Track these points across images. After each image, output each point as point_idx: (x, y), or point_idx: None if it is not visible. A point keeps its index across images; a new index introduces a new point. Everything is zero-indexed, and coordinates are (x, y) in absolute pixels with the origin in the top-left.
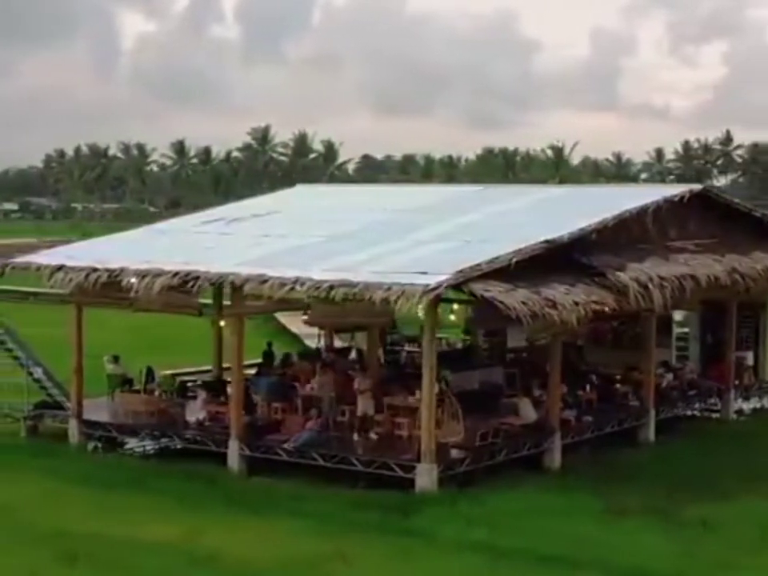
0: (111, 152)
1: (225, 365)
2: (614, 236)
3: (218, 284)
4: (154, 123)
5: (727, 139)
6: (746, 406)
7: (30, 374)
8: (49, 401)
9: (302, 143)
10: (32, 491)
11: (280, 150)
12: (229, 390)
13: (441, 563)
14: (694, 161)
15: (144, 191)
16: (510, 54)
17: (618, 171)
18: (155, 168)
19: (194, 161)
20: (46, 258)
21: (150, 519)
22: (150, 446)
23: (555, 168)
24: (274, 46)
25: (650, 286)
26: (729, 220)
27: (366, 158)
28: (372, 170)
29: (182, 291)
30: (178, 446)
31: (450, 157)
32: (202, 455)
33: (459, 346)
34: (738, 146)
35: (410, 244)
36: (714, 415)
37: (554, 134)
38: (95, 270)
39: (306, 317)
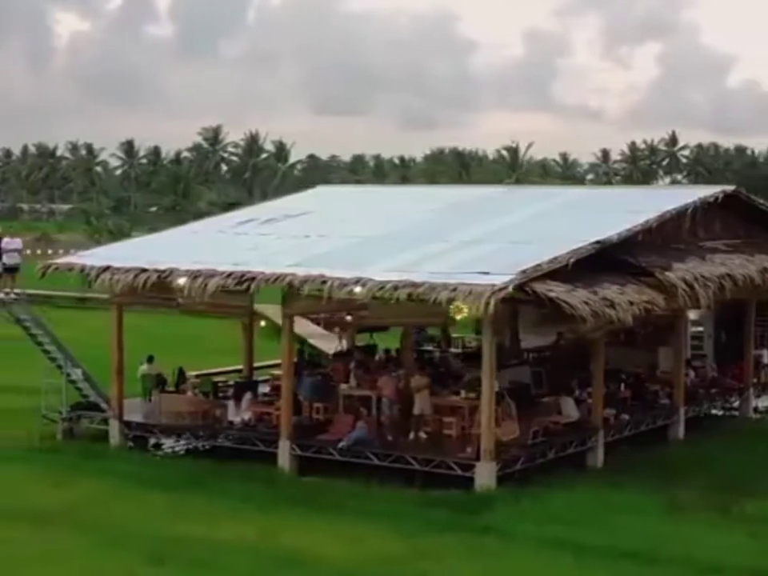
0: (59, 152)
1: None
2: (655, 237)
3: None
4: (86, 122)
5: (672, 140)
6: (761, 404)
7: (68, 374)
8: (83, 402)
9: (253, 143)
10: (94, 493)
11: (231, 149)
12: (260, 390)
13: (527, 560)
14: (640, 161)
15: (92, 191)
16: (447, 54)
17: (565, 172)
18: (99, 169)
19: (144, 161)
20: (88, 259)
21: (222, 520)
22: (179, 446)
23: (511, 169)
24: (210, 45)
25: (696, 285)
26: (750, 220)
27: (312, 158)
28: (320, 171)
29: (227, 292)
30: (207, 447)
31: (402, 157)
32: (241, 455)
33: (473, 345)
34: (683, 147)
35: (457, 245)
36: (734, 413)
37: (490, 135)
38: (144, 270)
39: (349, 317)
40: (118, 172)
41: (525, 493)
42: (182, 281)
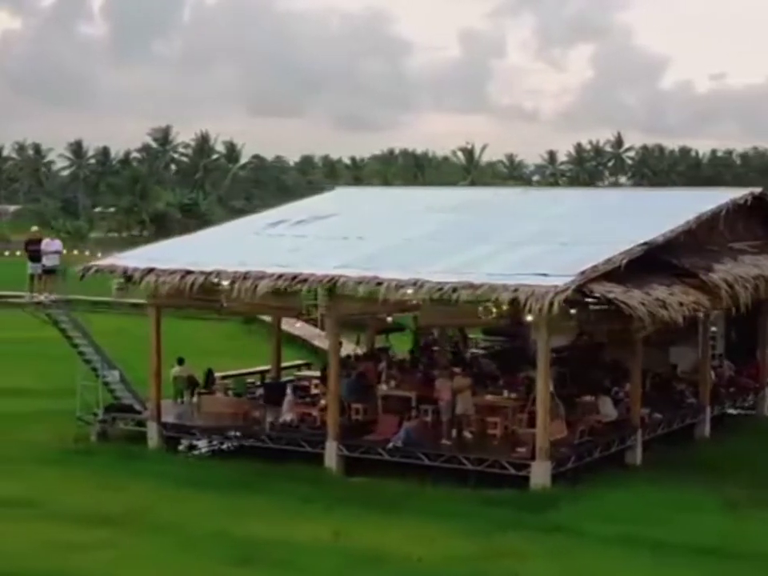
0: (5, 152)
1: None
2: (691, 238)
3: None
4: (23, 122)
5: (618, 142)
6: None
7: (103, 376)
8: (116, 404)
9: (204, 143)
10: (148, 495)
11: (182, 150)
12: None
13: (606, 559)
14: (586, 163)
15: (38, 192)
16: (384, 55)
17: (511, 173)
18: (43, 169)
19: (92, 161)
20: (128, 261)
21: (290, 520)
22: (206, 448)
23: (466, 170)
24: (144, 45)
25: (737, 286)
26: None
27: (258, 159)
28: (267, 171)
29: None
30: (232, 448)
31: (353, 158)
32: (280, 455)
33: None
34: (629, 149)
35: (503, 246)
36: (750, 412)
37: (426, 136)
38: (189, 272)
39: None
40: (66, 173)
41: (580, 491)
42: (226, 282)
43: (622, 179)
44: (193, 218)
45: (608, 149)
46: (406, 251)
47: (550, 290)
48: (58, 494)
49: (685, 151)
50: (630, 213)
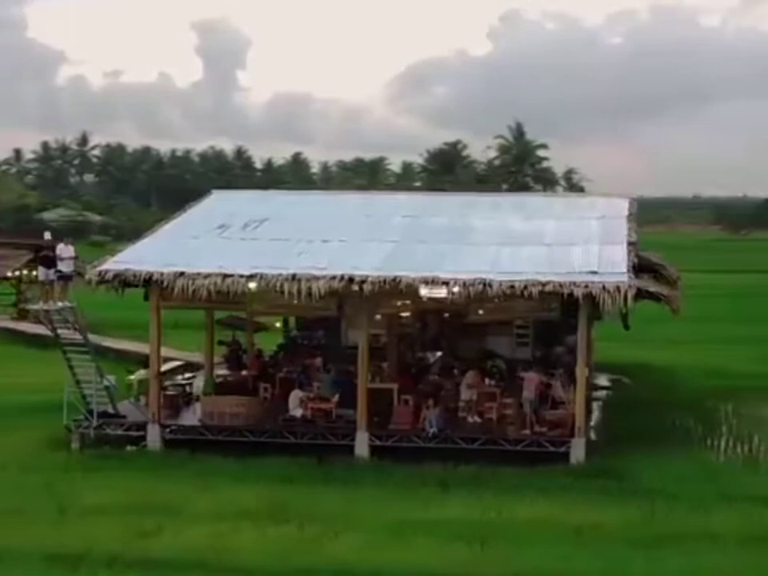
0: None
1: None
2: None
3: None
4: None
5: (83, 140)
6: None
7: (77, 382)
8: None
9: None
10: (263, 492)
11: None
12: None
13: (735, 514)
14: (53, 161)
15: None
16: None
17: None
18: None
19: None
20: (128, 266)
21: (421, 505)
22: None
23: None
24: None
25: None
26: None
27: None
28: None
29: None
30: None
31: None
32: (287, 448)
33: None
34: (94, 147)
35: (499, 248)
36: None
37: None
38: (228, 275)
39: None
40: None
41: (616, 463)
42: (253, 285)
43: (89, 177)
44: None
45: (74, 147)
46: (414, 253)
47: (622, 286)
48: (171, 499)
49: (147, 150)
50: (552, 215)
